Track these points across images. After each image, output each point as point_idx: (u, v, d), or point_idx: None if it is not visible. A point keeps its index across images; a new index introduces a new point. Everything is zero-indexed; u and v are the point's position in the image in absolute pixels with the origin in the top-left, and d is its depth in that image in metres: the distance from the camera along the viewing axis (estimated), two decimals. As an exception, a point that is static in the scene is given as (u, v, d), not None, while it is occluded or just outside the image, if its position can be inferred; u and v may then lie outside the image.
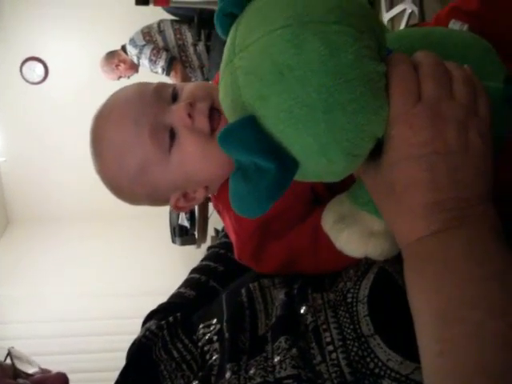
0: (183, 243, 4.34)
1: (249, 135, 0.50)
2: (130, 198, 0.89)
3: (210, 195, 0.92)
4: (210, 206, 3.81)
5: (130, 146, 0.80)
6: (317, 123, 0.49)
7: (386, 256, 0.65)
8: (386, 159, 0.54)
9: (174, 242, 4.42)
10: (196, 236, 4.16)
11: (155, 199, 0.89)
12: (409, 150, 0.51)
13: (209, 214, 3.91)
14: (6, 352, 0.78)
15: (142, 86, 0.85)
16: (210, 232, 4.18)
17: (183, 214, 4.28)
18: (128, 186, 0.84)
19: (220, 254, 1.04)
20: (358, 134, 0.50)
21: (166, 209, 3.85)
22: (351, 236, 0.66)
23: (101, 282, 4.58)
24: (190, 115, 0.79)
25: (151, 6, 3.10)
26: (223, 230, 1.16)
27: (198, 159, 0.81)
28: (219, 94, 0.58)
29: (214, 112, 0.81)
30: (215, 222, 4.13)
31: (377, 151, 0.55)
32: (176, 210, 0.90)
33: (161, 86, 0.84)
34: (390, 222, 0.58)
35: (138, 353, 0.80)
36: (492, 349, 0.44)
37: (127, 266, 4.66)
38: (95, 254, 4.78)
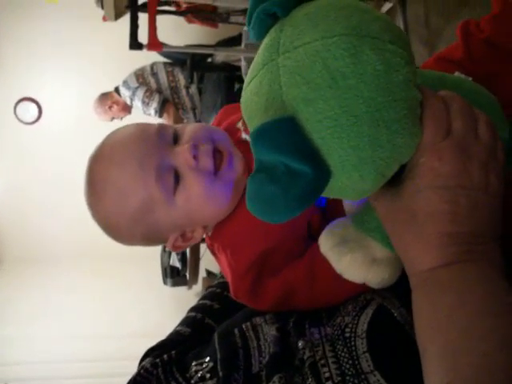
0: (174, 284, 4.32)
1: (287, 135, 0.49)
2: (126, 237, 0.88)
3: (204, 236, 0.91)
4: (202, 246, 3.81)
5: (133, 186, 0.80)
6: (360, 136, 0.49)
7: (383, 284, 0.66)
8: (409, 186, 0.55)
9: (165, 283, 4.40)
10: (187, 277, 4.14)
11: (152, 239, 0.88)
12: (435, 179, 0.53)
13: (200, 255, 3.89)
14: None
15: (144, 127, 0.86)
16: (202, 273, 4.16)
17: (174, 254, 4.27)
18: (126, 225, 0.83)
19: (216, 292, 1.03)
20: (393, 155, 0.51)
21: (157, 250, 3.85)
22: (354, 261, 0.66)
23: (91, 323, 4.53)
24: (195, 156, 0.80)
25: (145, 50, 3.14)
26: (220, 273, 1.16)
27: (201, 199, 0.81)
28: (245, 93, 0.58)
29: (217, 153, 0.83)
30: (207, 263, 4.12)
31: (392, 180, 0.56)
32: (173, 249, 0.89)
33: (162, 127, 0.85)
34: (402, 250, 0.59)
35: None
36: (498, 381, 0.45)
37: (118, 308, 4.62)
38: (86, 296, 4.74)
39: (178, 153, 0.81)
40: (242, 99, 0.59)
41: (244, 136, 0.90)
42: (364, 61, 0.48)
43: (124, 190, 0.81)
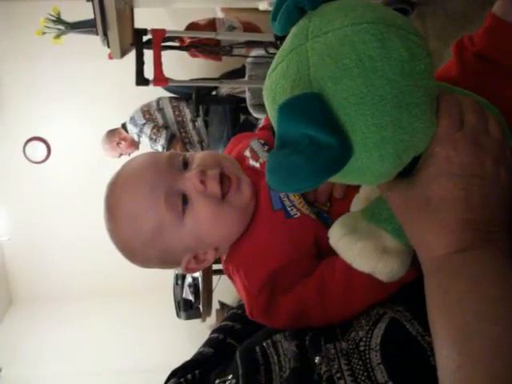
0: (188, 317, 4.31)
1: (314, 108, 0.51)
2: (141, 260, 0.91)
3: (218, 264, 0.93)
4: (214, 279, 3.81)
5: (145, 211, 0.84)
6: (384, 115, 0.51)
7: (392, 276, 0.66)
8: (424, 174, 0.58)
9: (178, 316, 4.39)
10: (201, 310, 4.13)
11: (166, 261, 0.91)
12: (450, 167, 0.56)
13: (213, 287, 3.89)
14: None
15: (156, 155, 0.91)
16: (215, 305, 4.14)
17: (187, 287, 4.26)
18: (141, 249, 0.87)
19: (237, 314, 1.04)
20: (412, 138, 0.54)
21: (169, 284, 3.84)
22: (365, 249, 0.66)
23: (105, 359, 4.51)
24: (202, 181, 0.83)
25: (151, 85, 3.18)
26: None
27: (209, 222, 0.84)
28: (269, 78, 0.59)
29: (224, 178, 0.86)
30: (220, 294, 4.11)
31: (404, 172, 0.58)
32: (186, 271, 0.92)
33: (173, 155, 0.89)
34: (416, 236, 0.60)
35: None
36: (509, 363, 0.47)
37: (132, 343, 4.60)
38: (99, 332, 4.72)
39: (187, 178, 0.85)
40: (265, 85, 0.61)
41: (252, 163, 0.93)
42: (390, 46, 0.51)
43: (136, 216, 0.85)
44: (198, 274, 3.96)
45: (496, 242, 0.55)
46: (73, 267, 5.13)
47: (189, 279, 4.28)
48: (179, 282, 4.39)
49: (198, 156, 0.90)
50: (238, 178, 0.87)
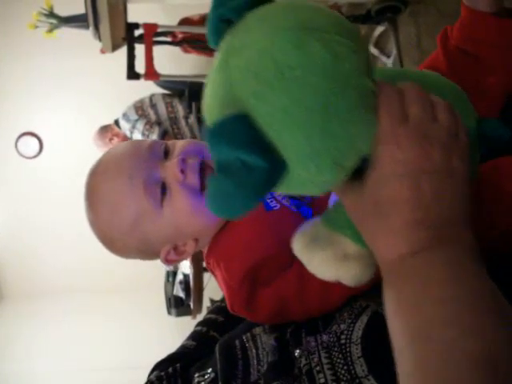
0: (179, 314, 4.29)
1: (240, 131, 0.49)
2: (121, 250, 0.91)
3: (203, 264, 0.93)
4: (205, 276, 3.80)
5: (124, 200, 0.83)
6: (312, 125, 0.49)
7: (358, 281, 0.64)
8: (372, 176, 0.54)
9: (169, 313, 4.37)
10: (191, 307, 4.11)
11: (145, 252, 0.90)
12: (395, 167, 0.52)
13: (204, 285, 3.88)
14: None
15: (137, 143, 0.90)
16: (206, 302, 4.13)
17: (178, 284, 4.25)
18: (120, 238, 0.87)
19: (221, 306, 1.05)
20: (348, 144, 0.51)
21: (160, 281, 3.83)
22: (325, 258, 0.65)
23: (95, 356, 4.50)
24: (182, 171, 0.82)
25: (143, 81, 3.17)
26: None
27: (188, 213, 0.83)
28: (205, 99, 0.57)
29: (206, 169, 0.85)
30: (210, 292, 4.10)
31: (359, 174, 0.55)
32: (166, 263, 0.91)
33: (154, 143, 0.88)
34: (370, 241, 0.58)
35: None
36: (461, 368, 0.44)
37: (122, 340, 4.59)
38: (89, 329, 4.70)
39: (167, 166, 0.84)
40: (203, 106, 0.59)
41: None
42: (309, 51, 0.48)
43: (115, 204, 0.84)
44: (189, 271, 3.95)
45: (454, 237, 0.52)
46: (64, 263, 5.11)
47: (180, 276, 4.27)
48: (170, 279, 4.37)
49: (179, 144, 0.89)
50: None
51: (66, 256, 5.09)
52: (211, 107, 0.55)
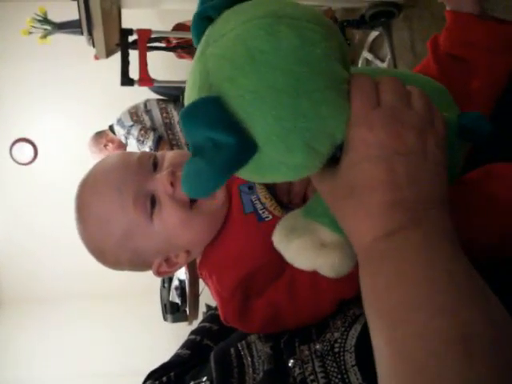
0: (175, 320, 4.29)
1: (211, 111, 0.50)
2: (112, 263, 0.90)
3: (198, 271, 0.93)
4: (201, 282, 3.79)
5: (114, 213, 0.83)
6: (281, 106, 0.50)
7: (336, 271, 0.64)
8: (345, 160, 0.54)
9: (165, 319, 4.37)
10: (187, 312, 4.10)
11: (137, 264, 0.90)
12: (368, 150, 0.52)
13: (200, 291, 3.87)
14: None
15: (126, 156, 0.89)
16: (202, 308, 4.12)
17: (174, 290, 4.24)
18: (111, 251, 0.86)
19: (215, 315, 1.03)
20: (319, 125, 0.51)
21: (156, 286, 3.82)
22: (301, 246, 0.65)
23: (92, 362, 4.49)
24: (172, 183, 0.82)
25: (137, 86, 3.17)
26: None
27: (178, 225, 0.83)
28: (186, 90, 0.58)
29: None
30: (207, 298, 4.08)
31: (333, 161, 0.56)
32: (158, 275, 0.91)
33: (143, 156, 0.88)
34: (346, 226, 0.57)
35: None
36: (434, 349, 0.44)
37: (118, 346, 4.58)
38: (86, 335, 4.70)
39: (156, 179, 0.84)
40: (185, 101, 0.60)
41: None
42: (280, 37, 0.50)
43: (105, 217, 0.83)
44: (184, 277, 3.94)
45: (429, 219, 0.51)
46: (61, 269, 5.11)
47: (175, 282, 4.26)
48: (166, 285, 4.37)
49: (168, 156, 0.88)
50: None
51: (63, 261, 5.07)
52: (190, 96, 0.56)
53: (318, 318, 0.77)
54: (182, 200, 0.83)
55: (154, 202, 0.83)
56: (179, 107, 3.84)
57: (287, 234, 0.68)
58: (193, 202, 0.84)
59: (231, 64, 0.51)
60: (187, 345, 0.97)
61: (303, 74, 0.50)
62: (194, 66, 0.57)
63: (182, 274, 4.08)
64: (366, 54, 3.41)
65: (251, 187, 0.88)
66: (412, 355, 0.45)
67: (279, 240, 0.69)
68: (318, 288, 0.75)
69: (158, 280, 4.52)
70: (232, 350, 0.81)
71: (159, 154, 0.89)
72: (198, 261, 0.93)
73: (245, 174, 0.56)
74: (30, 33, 3.37)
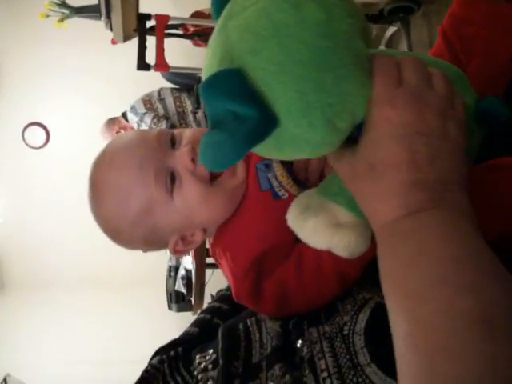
0: (179, 309, 4.30)
1: (233, 83, 0.50)
2: (126, 241, 0.89)
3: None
4: (208, 272, 3.80)
5: (134, 190, 0.82)
6: (304, 80, 0.50)
7: (351, 251, 0.64)
8: (366, 138, 0.54)
9: (170, 308, 4.39)
10: (192, 302, 4.11)
11: (152, 242, 0.90)
12: (391, 129, 0.52)
13: (206, 281, 3.88)
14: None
15: (144, 133, 0.89)
16: (207, 298, 4.13)
17: (180, 280, 4.25)
18: (127, 228, 0.85)
19: (226, 295, 1.04)
20: (341, 101, 0.51)
21: (162, 275, 3.83)
22: (316, 225, 0.65)
23: (94, 348, 4.50)
24: (192, 159, 0.82)
25: (151, 75, 3.18)
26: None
27: (198, 202, 0.83)
28: (204, 62, 0.58)
29: None
30: (212, 288, 4.10)
31: (350, 142, 0.56)
32: (174, 253, 0.90)
33: (161, 133, 0.87)
34: (365, 206, 0.57)
35: None
36: (458, 326, 0.43)
37: (123, 333, 4.59)
38: (90, 321, 4.71)
39: (177, 156, 0.83)
40: (202, 72, 0.60)
41: None
42: (306, 10, 0.50)
43: (123, 193, 0.83)
44: (191, 267, 3.95)
45: (450, 200, 0.51)
46: (66, 255, 5.13)
47: (182, 272, 4.27)
48: (172, 274, 4.39)
49: (186, 133, 0.88)
50: None
51: (69, 247, 5.10)
52: (209, 68, 0.56)
53: (323, 298, 0.77)
54: (203, 176, 0.83)
55: (173, 178, 0.82)
56: (193, 97, 3.84)
57: (302, 213, 0.68)
58: (213, 178, 0.84)
59: (255, 36, 0.51)
60: (197, 323, 0.97)
61: (328, 49, 0.50)
62: (213, 39, 0.57)
63: (188, 263, 4.10)
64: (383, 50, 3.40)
65: (268, 165, 0.87)
66: (435, 332, 0.44)
67: (294, 218, 0.69)
68: (322, 263, 0.75)
69: (164, 269, 4.54)
70: (241, 325, 0.81)
71: (176, 131, 0.89)
72: (210, 241, 0.93)
73: (263, 149, 0.56)
74: (48, 16, 3.38)
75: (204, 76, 0.57)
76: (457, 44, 0.90)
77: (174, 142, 0.86)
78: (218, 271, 4.25)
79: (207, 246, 2.85)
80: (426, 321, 0.45)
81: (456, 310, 0.44)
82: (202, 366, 0.77)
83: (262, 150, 0.56)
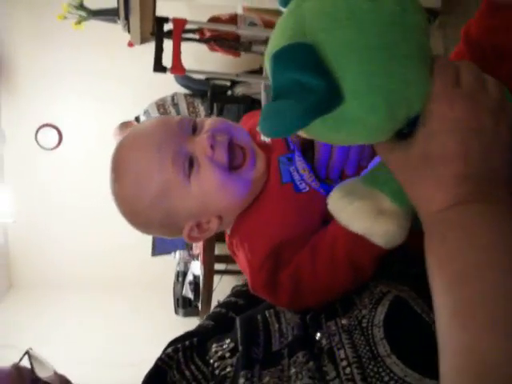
0: (186, 315, 4.32)
1: (305, 55, 0.53)
2: (143, 223, 0.91)
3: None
4: (216, 278, 3.80)
5: (151, 171, 0.83)
6: (374, 63, 0.53)
7: (388, 239, 0.68)
8: (423, 132, 0.58)
9: (176, 313, 4.41)
10: (199, 308, 4.11)
11: (168, 226, 0.90)
12: (447, 124, 0.56)
13: (214, 287, 3.88)
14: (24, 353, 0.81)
15: (166, 119, 0.92)
16: (214, 304, 4.13)
17: (188, 285, 4.26)
18: (144, 210, 0.86)
19: (242, 290, 1.04)
20: (403, 89, 0.55)
21: (170, 279, 3.82)
22: (359, 209, 0.68)
23: (102, 350, 4.48)
24: (211, 146, 0.83)
25: (164, 79, 3.20)
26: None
27: (214, 188, 0.84)
28: (270, 42, 0.61)
29: (235, 147, 0.86)
30: (220, 294, 4.09)
31: (400, 137, 0.60)
32: (189, 239, 0.91)
33: (183, 119, 0.89)
34: (415, 194, 0.61)
35: (154, 375, 0.80)
36: (505, 307, 0.47)
37: (129, 336, 4.57)
38: (97, 323, 4.70)
39: (196, 141, 0.84)
40: (267, 51, 0.62)
41: (263, 138, 0.92)
42: (382, 0, 0.54)
43: (142, 173, 0.84)
44: (199, 272, 3.96)
45: (495, 196, 0.55)
46: (75, 256, 5.13)
47: (190, 277, 4.29)
48: (180, 279, 4.41)
49: (208, 121, 0.89)
50: (253, 151, 0.87)
51: (79, 249, 5.11)
52: (277, 43, 0.58)
53: (336, 288, 0.77)
54: (221, 163, 0.84)
55: (192, 163, 0.83)
56: (206, 102, 3.86)
57: (346, 196, 0.70)
58: (233, 168, 0.85)
59: (330, 17, 0.54)
60: (212, 316, 0.97)
61: (398, 38, 0.54)
62: (284, 18, 0.60)
63: (196, 269, 4.11)
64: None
65: (290, 158, 0.88)
66: (485, 310, 0.48)
67: (336, 200, 0.71)
68: (336, 251, 0.75)
69: (172, 274, 4.55)
70: (259, 317, 0.82)
71: (199, 119, 0.90)
72: (227, 231, 0.93)
73: (321, 129, 0.58)
74: (66, 18, 3.42)
75: (270, 51, 0.60)
76: (487, 49, 0.91)
77: (195, 129, 0.87)
78: (226, 277, 4.25)
79: (216, 251, 2.85)
80: (473, 301, 0.49)
81: (502, 289, 0.48)
82: (220, 354, 0.77)
83: (319, 130, 0.58)
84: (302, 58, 0.53)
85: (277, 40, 0.59)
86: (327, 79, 0.53)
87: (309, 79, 0.52)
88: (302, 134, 0.61)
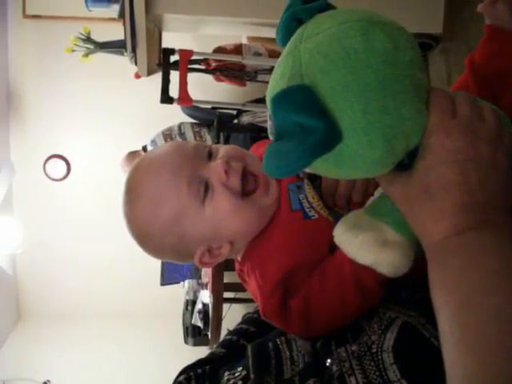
0: (196, 344, 4.28)
1: (303, 97, 0.55)
2: (155, 248, 0.91)
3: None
4: (225, 307, 3.78)
5: (166, 195, 0.84)
6: (369, 100, 0.55)
7: (395, 269, 0.69)
8: (422, 164, 0.60)
9: (186, 342, 4.36)
10: (209, 337, 4.09)
11: (180, 251, 0.91)
12: (446, 155, 0.58)
13: (223, 315, 3.86)
14: None
15: (182, 144, 0.94)
16: (224, 333, 4.10)
17: (197, 314, 4.23)
18: (157, 234, 0.87)
19: (253, 317, 1.04)
20: (400, 125, 0.57)
21: (178, 309, 3.80)
22: (365, 241, 0.69)
23: (112, 381, 4.46)
24: (226, 172, 0.84)
25: (172, 110, 3.23)
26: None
27: (228, 214, 0.85)
28: (270, 83, 0.64)
29: (248, 174, 0.87)
30: (229, 323, 4.07)
31: (400, 168, 0.62)
32: (200, 265, 0.92)
33: (199, 145, 0.91)
34: (417, 224, 0.62)
35: None
36: (505, 331, 0.48)
37: (138, 367, 4.55)
38: (105, 355, 4.67)
39: (211, 167, 0.86)
40: (267, 92, 0.65)
41: None
42: (374, 39, 0.56)
43: (157, 198, 0.85)
44: (208, 301, 3.94)
45: (495, 224, 0.57)
46: (84, 288, 5.10)
47: (199, 305, 4.26)
48: (189, 308, 4.38)
49: (223, 148, 0.91)
50: (266, 179, 0.88)
51: (88, 280, 5.08)
52: (277, 85, 0.61)
53: (346, 312, 0.78)
54: (235, 189, 0.85)
55: (207, 188, 0.84)
56: (213, 131, 3.88)
57: (351, 229, 0.72)
58: (246, 194, 0.86)
59: (325, 58, 0.56)
60: (223, 344, 0.97)
61: (392, 76, 0.56)
62: (282, 60, 0.62)
63: (205, 297, 4.09)
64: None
65: (300, 186, 0.89)
66: (489, 335, 0.49)
67: (342, 233, 0.73)
68: (343, 275, 0.76)
69: (181, 303, 4.52)
70: (270, 344, 0.82)
71: (214, 146, 0.91)
72: (238, 258, 0.94)
73: (323, 165, 0.60)
74: (73, 50, 3.48)
75: (270, 93, 0.62)
76: (490, 76, 0.92)
77: (210, 155, 0.89)
78: (235, 306, 4.21)
79: (225, 280, 2.84)
80: (478, 326, 0.50)
81: (505, 316, 0.49)
82: (232, 382, 0.77)
83: (321, 166, 0.60)
84: (301, 101, 0.56)
85: (276, 81, 0.62)
86: (325, 120, 0.55)
87: (308, 121, 0.55)
88: (307, 169, 0.63)
